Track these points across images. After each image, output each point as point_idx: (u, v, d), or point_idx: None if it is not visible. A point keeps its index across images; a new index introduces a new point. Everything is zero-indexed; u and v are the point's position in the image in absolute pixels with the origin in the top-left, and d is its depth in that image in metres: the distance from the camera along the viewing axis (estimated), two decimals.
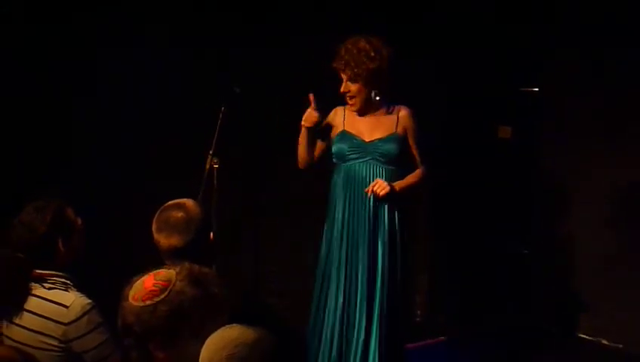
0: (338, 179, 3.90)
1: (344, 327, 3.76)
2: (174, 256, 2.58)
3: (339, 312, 3.76)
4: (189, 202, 2.64)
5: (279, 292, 4.74)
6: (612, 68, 5.07)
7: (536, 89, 5.57)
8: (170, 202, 2.65)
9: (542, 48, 5.39)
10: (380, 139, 3.84)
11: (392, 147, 3.83)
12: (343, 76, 3.80)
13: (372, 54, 3.73)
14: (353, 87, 3.80)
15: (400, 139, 3.85)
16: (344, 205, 3.84)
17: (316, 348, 3.76)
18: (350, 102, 3.85)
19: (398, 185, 3.81)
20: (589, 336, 5.32)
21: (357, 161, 3.85)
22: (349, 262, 3.79)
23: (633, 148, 5.01)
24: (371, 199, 3.78)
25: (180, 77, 4.36)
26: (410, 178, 3.89)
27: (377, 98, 3.80)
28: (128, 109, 4.24)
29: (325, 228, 3.94)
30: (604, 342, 5.24)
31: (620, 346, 5.14)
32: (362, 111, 3.87)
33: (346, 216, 3.83)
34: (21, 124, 4.04)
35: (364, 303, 3.74)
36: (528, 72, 5.52)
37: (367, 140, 3.85)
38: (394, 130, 3.86)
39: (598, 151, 5.20)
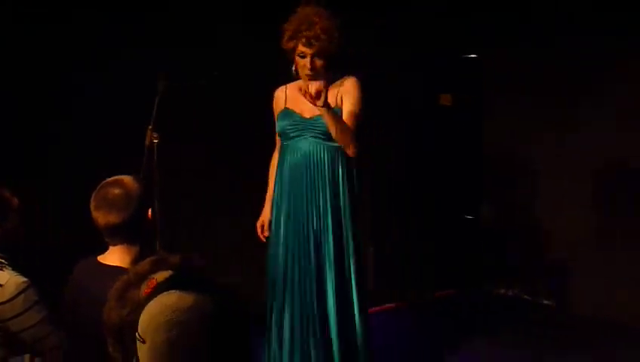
0: (281, 158, 3.70)
1: (302, 301, 3.60)
2: (112, 233, 2.56)
3: (296, 286, 3.60)
4: (126, 178, 2.61)
5: (225, 266, 4.73)
6: (551, 31, 5.14)
7: (475, 55, 5.62)
8: (108, 179, 2.62)
9: (479, 14, 5.44)
10: (320, 115, 3.56)
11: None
12: (306, 51, 3.52)
13: (337, 25, 3.52)
14: (320, 63, 3.54)
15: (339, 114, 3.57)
16: (288, 186, 3.64)
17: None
18: (310, 78, 3.54)
19: (332, 114, 3.46)
20: (532, 297, 5.44)
21: (298, 138, 3.64)
22: (297, 247, 3.61)
23: (575, 110, 5.10)
24: (316, 181, 3.59)
25: (121, 52, 4.29)
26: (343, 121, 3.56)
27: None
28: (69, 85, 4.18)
29: (272, 207, 3.76)
30: (547, 302, 5.36)
31: (551, 303, 5.30)
32: None
33: (291, 198, 3.63)
34: None
35: (317, 276, 3.58)
36: (467, 38, 5.57)
37: (307, 116, 3.63)
38: (335, 105, 3.58)
39: (539, 115, 5.28)
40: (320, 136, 3.59)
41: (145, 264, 1.77)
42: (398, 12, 5.19)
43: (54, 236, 3.91)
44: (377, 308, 5.18)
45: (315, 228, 3.61)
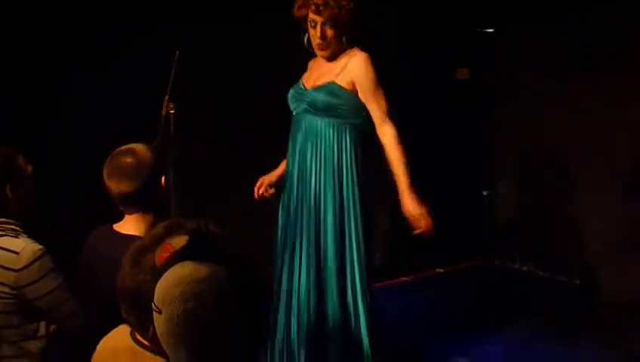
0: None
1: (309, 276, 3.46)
2: (125, 201, 2.58)
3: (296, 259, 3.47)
4: (139, 147, 2.62)
5: (239, 235, 4.73)
6: (567, 5, 5.08)
7: (492, 29, 5.57)
8: (121, 147, 2.64)
9: None
10: (314, 88, 3.43)
11: (320, 97, 3.40)
12: (316, 19, 3.33)
13: None
14: (330, 32, 3.34)
15: (336, 89, 3.38)
16: (291, 157, 3.53)
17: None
18: (321, 48, 3.40)
19: (404, 186, 3.35)
20: (547, 273, 5.43)
21: (296, 110, 3.50)
22: (298, 221, 3.49)
23: (591, 85, 5.04)
24: (305, 156, 3.43)
25: (135, 22, 4.28)
26: (395, 164, 3.36)
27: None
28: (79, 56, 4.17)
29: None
30: (562, 278, 5.35)
31: (577, 282, 5.27)
32: (331, 57, 3.45)
33: (293, 169, 3.51)
34: None
35: (318, 250, 3.44)
36: (483, 12, 5.51)
37: (306, 88, 3.48)
38: (333, 78, 3.40)
39: (556, 90, 5.23)
40: (309, 108, 3.43)
41: (159, 228, 1.78)
42: None
43: (54, 235, 3.91)
44: (390, 282, 5.19)
45: (304, 203, 3.48)
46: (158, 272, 1.64)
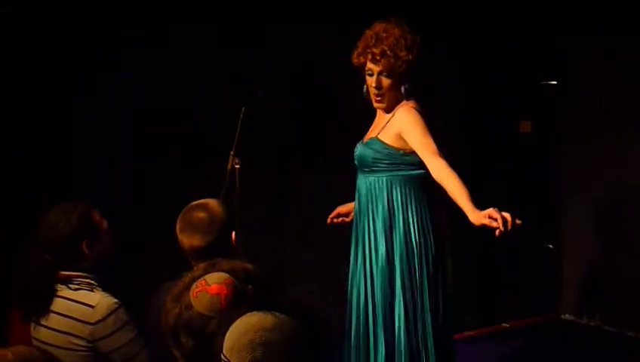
0: None
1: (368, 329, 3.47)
2: (196, 255, 2.63)
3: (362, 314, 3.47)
4: (212, 202, 2.68)
5: (305, 291, 4.73)
6: (632, 58, 5.04)
7: (555, 82, 5.55)
8: (193, 202, 2.70)
9: (560, 41, 5.38)
10: (362, 143, 3.47)
11: (365, 153, 3.43)
12: (373, 68, 3.35)
13: (409, 43, 3.31)
14: (386, 83, 3.35)
15: (377, 145, 3.40)
16: (355, 212, 3.56)
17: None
18: (377, 100, 3.40)
19: (464, 204, 3.14)
20: (615, 328, 5.30)
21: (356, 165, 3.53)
22: (364, 267, 3.48)
23: None
24: (358, 215, 3.49)
25: (201, 76, 4.37)
26: (451, 190, 3.17)
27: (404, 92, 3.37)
28: (148, 109, 4.25)
29: None
30: (630, 334, 5.22)
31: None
32: (388, 110, 3.44)
33: (355, 223, 3.54)
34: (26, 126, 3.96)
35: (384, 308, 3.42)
36: (547, 65, 5.51)
37: (361, 144, 3.50)
38: (376, 134, 3.42)
39: (620, 143, 5.17)
40: (357, 164, 3.48)
41: (199, 269, 1.86)
42: (478, 39, 5.17)
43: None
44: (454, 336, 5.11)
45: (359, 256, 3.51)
46: (191, 306, 1.75)
